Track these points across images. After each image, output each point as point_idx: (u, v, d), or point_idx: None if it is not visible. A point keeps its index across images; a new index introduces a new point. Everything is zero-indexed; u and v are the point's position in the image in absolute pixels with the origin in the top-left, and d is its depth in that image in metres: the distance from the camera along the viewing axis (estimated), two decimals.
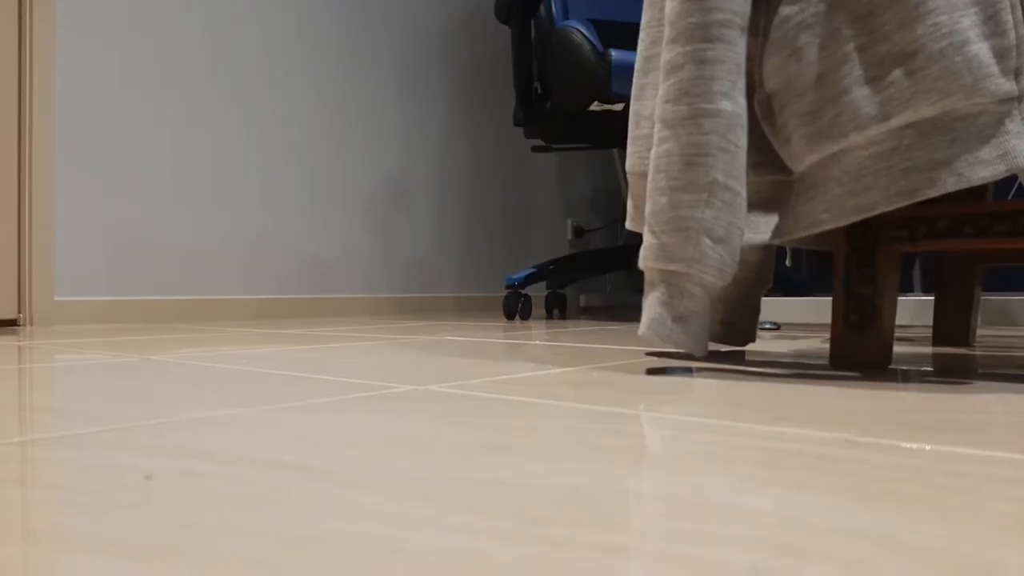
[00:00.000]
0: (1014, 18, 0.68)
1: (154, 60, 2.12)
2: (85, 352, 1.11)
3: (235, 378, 0.77)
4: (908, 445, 0.44)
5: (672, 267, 0.76)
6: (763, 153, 0.83)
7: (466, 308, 2.96)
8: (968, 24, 0.68)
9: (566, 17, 2.04)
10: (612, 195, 3.62)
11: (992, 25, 0.68)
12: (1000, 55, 0.68)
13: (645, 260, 0.80)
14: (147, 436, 0.46)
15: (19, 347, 1.23)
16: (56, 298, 1.94)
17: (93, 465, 0.39)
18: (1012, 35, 0.68)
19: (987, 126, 0.68)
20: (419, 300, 2.80)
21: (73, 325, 1.93)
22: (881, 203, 0.72)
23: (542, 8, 2.10)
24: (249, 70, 2.34)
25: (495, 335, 1.47)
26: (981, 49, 0.67)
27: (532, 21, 2.12)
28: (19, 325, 1.91)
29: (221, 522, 0.29)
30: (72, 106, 1.95)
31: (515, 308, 2.37)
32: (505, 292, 2.40)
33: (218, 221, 2.26)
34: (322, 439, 0.45)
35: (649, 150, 0.83)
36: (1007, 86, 0.67)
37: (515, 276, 2.38)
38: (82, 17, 1.98)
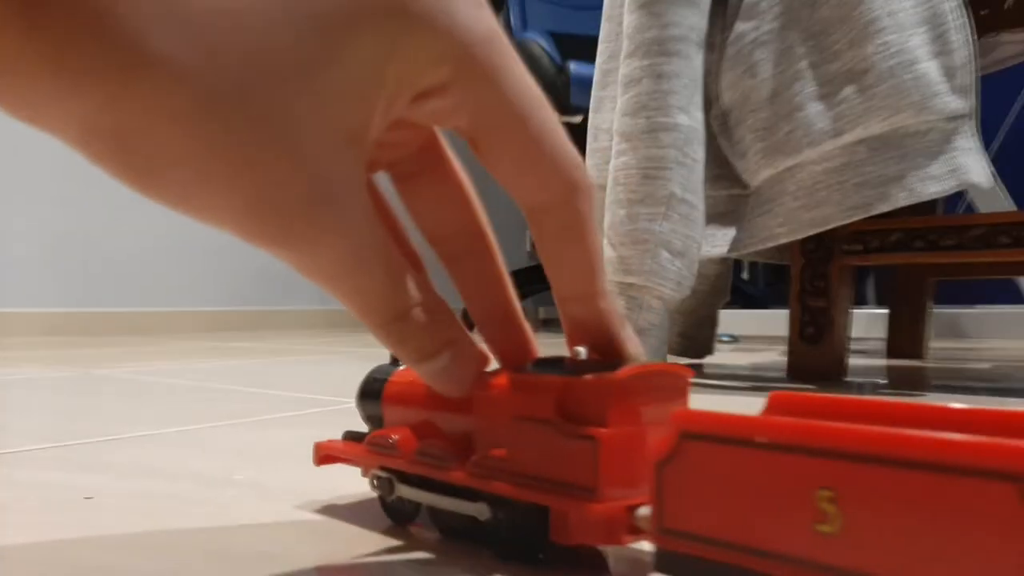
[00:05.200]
0: (961, 37, 0.70)
1: None
2: (23, 366, 1.07)
3: (183, 393, 0.74)
4: None
5: (630, 280, 0.76)
6: (720, 167, 0.84)
7: None
8: (917, 43, 0.69)
9: (525, 29, 2.05)
10: None
11: (941, 44, 0.69)
12: (949, 73, 0.69)
13: None
14: (88, 453, 0.44)
15: None
16: None
17: (30, 483, 0.37)
18: (959, 54, 0.69)
19: (936, 142, 0.70)
20: None
21: (12, 338, 1.86)
22: (835, 217, 0.73)
23: (500, 19, 2.11)
24: None
25: None
26: (930, 67, 0.69)
27: None
28: None
29: (168, 543, 0.28)
30: None
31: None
32: (463, 304, 2.38)
33: (166, 227, 2.21)
34: (274, 456, 0.44)
35: (607, 162, 0.83)
36: (955, 104, 0.69)
37: None
38: None
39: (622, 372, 0.22)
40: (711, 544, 0.18)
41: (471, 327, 0.27)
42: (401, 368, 0.31)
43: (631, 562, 0.26)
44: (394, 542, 0.28)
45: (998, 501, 0.14)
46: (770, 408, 0.21)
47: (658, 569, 0.20)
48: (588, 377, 0.22)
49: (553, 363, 0.24)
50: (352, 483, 0.33)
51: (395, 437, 0.28)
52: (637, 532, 0.21)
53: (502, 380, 0.25)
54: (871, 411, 0.20)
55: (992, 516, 0.14)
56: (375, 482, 0.29)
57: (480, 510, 0.25)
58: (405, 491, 0.28)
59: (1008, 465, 0.14)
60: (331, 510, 0.32)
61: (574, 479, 0.22)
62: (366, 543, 0.28)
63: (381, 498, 0.29)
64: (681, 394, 0.24)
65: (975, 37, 0.71)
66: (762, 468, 0.17)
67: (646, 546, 0.21)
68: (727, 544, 0.18)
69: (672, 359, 1.11)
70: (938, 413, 0.19)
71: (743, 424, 0.18)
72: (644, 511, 0.21)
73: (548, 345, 0.26)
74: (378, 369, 0.32)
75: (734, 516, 0.18)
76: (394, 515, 0.29)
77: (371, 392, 0.31)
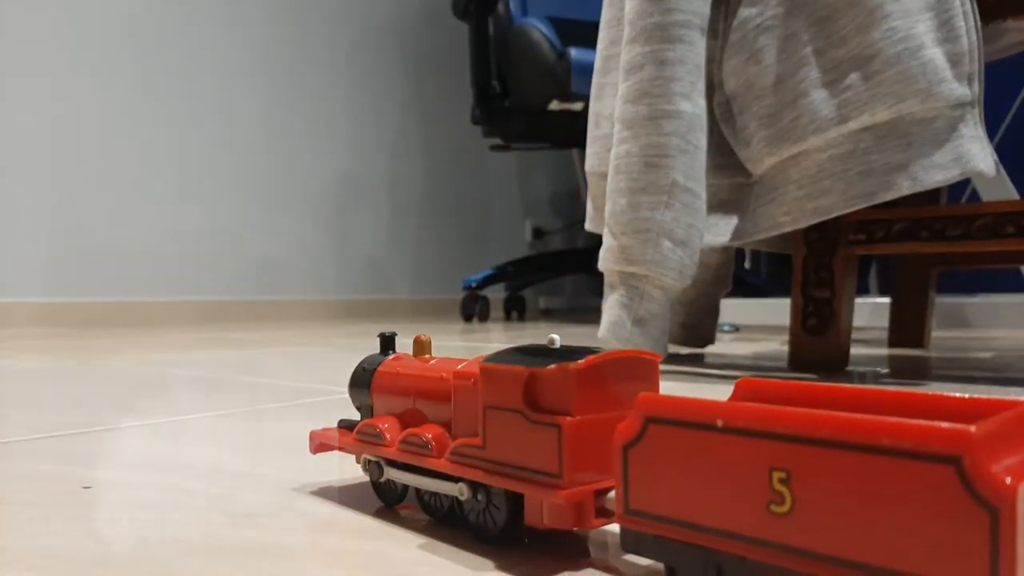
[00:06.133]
0: (967, 24, 0.69)
1: (91, 57, 2.06)
2: (22, 357, 1.06)
3: (177, 383, 0.74)
4: None
5: (632, 269, 0.76)
6: (723, 155, 0.83)
7: (422, 311, 2.94)
8: (923, 29, 0.68)
9: (525, 14, 2.03)
10: (571, 196, 3.63)
11: (946, 31, 0.68)
12: (954, 61, 0.68)
13: (605, 262, 0.79)
14: (86, 444, 0.44)
15: None
16: None
17: (28, 474, 0.37)
18: (965, 41, 0.68)
19: (941, 130, 0.69)
20: (372, 302, 2.76)
21: (10, 329, 1.85)
22: (839, 206, 0.72)
23: (500, 5, 2.08)
24: (191, 63, 2.28)
25: (451, 338, 1.45)
26: (935, 54, 0.68)
27: (490, 18, 2.10)
28: None
29: (167, 532, 0.27)
30: (9, 104, 1.88)
31: (472, 310, 2.35)
32: (462, 294, 2.38)
33: (163, 219, 2.20)
34: (265, 446, 0.43)
35: (609, 150, 0.82)
36: (960, 91, 0.68)
37: (472, 277, 2.36)
38: (20, 25, 1.91)
39: (585, 361, 0.23)
40: (675, 524, 0.19)
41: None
42: (390, 358, 0.32)
43: (610, 545, 0.26)
44: (384, 525, 0.28)
45: (940, 482, 0.15)
46: (737, 394, 0.22)
47: (625, 549, 0.21)
48: (552, 367, 0.23)
49: (527, 351, 0.25)
50: (347, 467, 0.32)
51: (381, 427, 0.29)
52: (608, 515, 0.22)
53: (476, 370, 0.26)
54: (833, 397, 0.21)
55: (934, 496, 0.15)
56: (367, 466, 0.31)
57: (461, 489, 0.26)
58: (392, 474, 0.29)
59: (949, 448, 0.15)
60: (327, 494, 0.32)
61: (542, 466, 0.23)
62: (358, 528, 0.28)
63: (372, 481, 0.31)
64: (650, 379, 0.25)
65: (980, 24, 0.70)
66: (722, 451, 0.18)
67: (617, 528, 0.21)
68: (690, 524, 0.19)
69: (674, 348, 1.10)
70: (896, 399, 0.20)
71: (705, 409, 0.19)
72: (615, 495, 0.21)
73: (544, 335, 0.25)
74: (368, 359, 0.33)
75: (697, 497, 0.19)
76: (384, 496, 0.31)
77: (361, 382, 0.32)
